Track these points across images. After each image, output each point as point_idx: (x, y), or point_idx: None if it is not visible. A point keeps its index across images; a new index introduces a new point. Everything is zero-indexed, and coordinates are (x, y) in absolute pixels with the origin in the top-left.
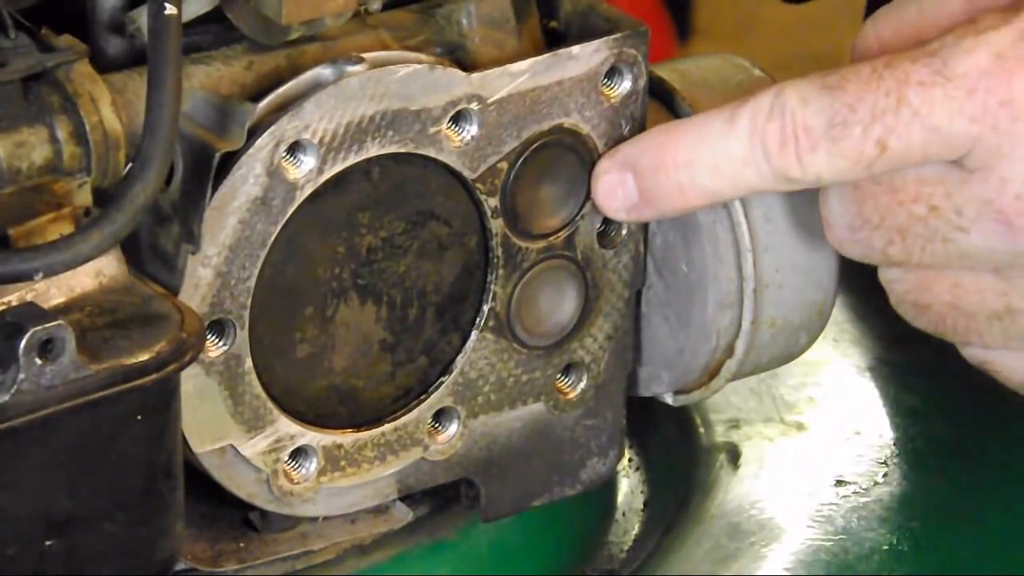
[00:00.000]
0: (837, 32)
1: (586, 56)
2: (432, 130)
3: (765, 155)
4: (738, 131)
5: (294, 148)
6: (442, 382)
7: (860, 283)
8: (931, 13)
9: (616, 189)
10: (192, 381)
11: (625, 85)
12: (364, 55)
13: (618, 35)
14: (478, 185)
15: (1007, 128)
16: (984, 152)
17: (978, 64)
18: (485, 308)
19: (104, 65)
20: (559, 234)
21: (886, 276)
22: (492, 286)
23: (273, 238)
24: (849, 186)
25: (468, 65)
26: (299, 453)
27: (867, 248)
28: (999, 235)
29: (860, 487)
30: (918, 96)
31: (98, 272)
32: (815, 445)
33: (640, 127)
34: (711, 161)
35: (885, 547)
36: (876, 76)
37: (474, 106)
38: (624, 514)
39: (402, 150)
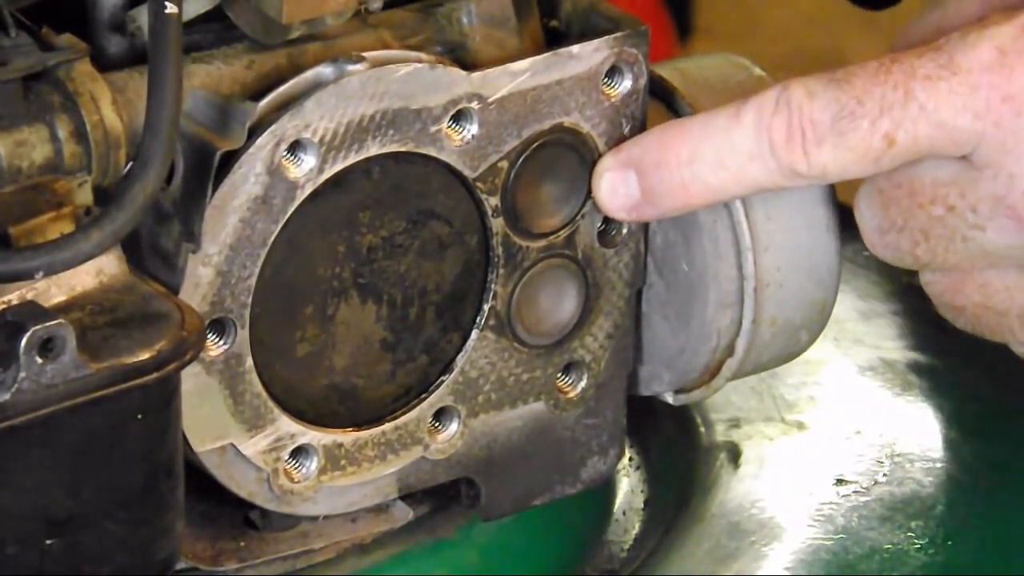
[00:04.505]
0: (837, 32)
1: (587, 55)
2: (433, 129)
3: (771, 149)
4: (743, 126)
5: (295, 147)
6: (442, 381)
7: (861, 283)
8: (952, 16)
9: (618, 188)
10: (192, 380)
11: (626, 84)
12: (365, 54)
13: (619, 34)
14: (479, 184)
15: (1010, 124)
16: (989, 148)
17: (980, 59)
18: (486, 307)
19: (105, 64)
20: (560, 233)
21: (923, 280)
22: (493, 285)
23: (274, 237)
24: (875, 191)
25: (469, 64)
26: (299, 452)
27: (896, 251)
28: (1013, 231)
29: (860, 486)
30: (924, 91)
31: (99, 271)
32: (815, 444)
33: (641, 126)
34: (715, 157)
35: (885, 547)
36: (884, 71)
37: (475, 105)
38: (624, 513)
39: (403, 149)
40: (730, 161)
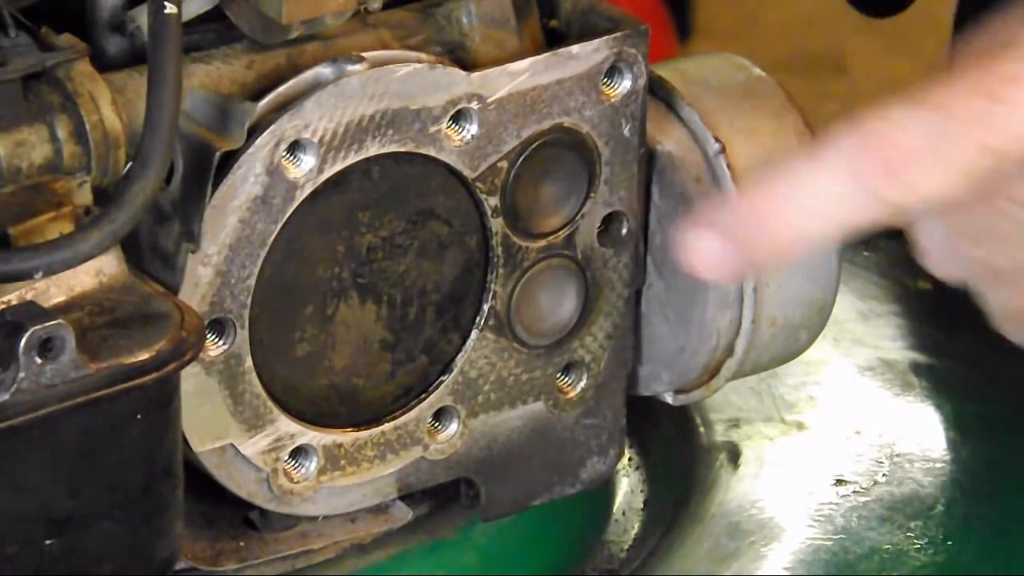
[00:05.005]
0: (837, 32)
1: (586, 55)
2: (432, 129)
3: (862, 186)
4: (828, 168)
5: (294, 147)
6: (442, 381)
7: (861, 283)
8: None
9: (714, 255)
10: (192, 380)
11: (625, 84)
12: (364, 54)
13: (618, 34)
14: (478, 184)
15: None
16: None
17: None
18: (485, 307)
19: (104, 64)
20: (559, 233)
21: (993, 301)
22: (492, 285)
23: (273, 237)
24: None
25: (468, 64)
26: (299, 452)
27: (966, 264)
28: None
29: (860, 486)
30: (1010, 92)
31: (98, 271)
32: (815, 444)
33: (640, 126)
34: (808, 207)
35: (885, 547)
36: (961, 80)
37: (474, 105)
38: (624, 513)
39: (402, 149)
40: (823, 209)
